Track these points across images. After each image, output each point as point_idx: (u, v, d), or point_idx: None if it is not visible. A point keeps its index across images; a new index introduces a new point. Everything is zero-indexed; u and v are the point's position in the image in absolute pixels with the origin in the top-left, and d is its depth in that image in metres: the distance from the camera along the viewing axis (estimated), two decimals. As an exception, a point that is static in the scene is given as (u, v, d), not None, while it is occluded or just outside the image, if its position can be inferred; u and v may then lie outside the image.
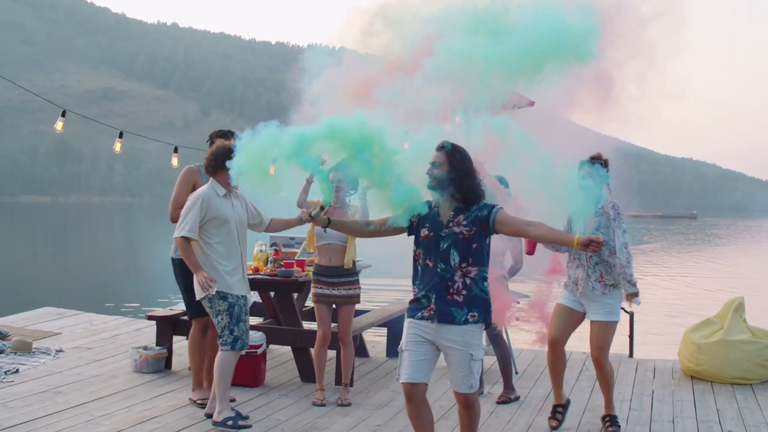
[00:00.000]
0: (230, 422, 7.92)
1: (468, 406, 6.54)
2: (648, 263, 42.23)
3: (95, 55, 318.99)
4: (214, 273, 7.99)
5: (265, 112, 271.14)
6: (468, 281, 6.35)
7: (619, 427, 8.38)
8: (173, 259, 9.03)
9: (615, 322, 8.24)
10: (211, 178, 8.23)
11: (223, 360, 8.04)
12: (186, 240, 7.95)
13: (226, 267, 8.09)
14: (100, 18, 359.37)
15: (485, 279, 6.43)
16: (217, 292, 7.97)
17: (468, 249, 6.34)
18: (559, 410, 8.58)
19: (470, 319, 6.32)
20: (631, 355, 12.25)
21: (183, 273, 8.78)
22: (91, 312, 14.89)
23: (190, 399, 8.90)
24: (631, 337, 12.37)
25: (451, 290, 6.35)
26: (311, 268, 10.64)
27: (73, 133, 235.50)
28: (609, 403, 8.49)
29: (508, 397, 9.47)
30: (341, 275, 9.12)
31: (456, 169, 6.39)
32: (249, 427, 8.02)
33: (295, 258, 10.63)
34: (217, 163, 8.07)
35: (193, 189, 8.80)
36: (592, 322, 8.27)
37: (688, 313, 22.72)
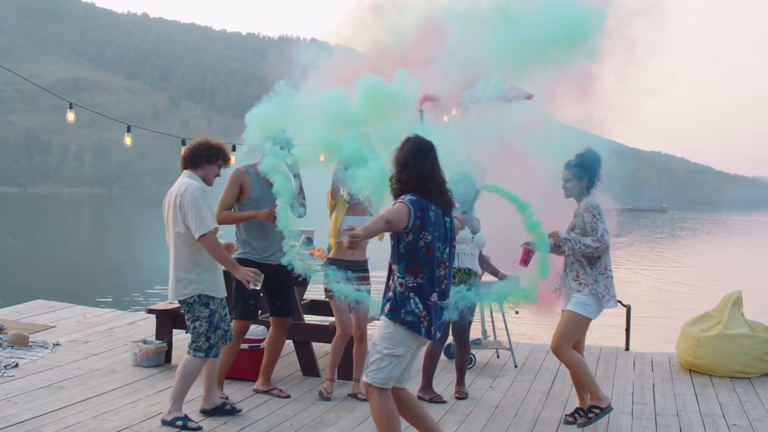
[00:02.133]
0: (179, 422, 7.77)
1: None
2: (622, 257, 42.36)
3: (65, 45, 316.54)
4: (204, 273, 7.85)
5: (235, 103, 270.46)
6: (391, 278, 6.44)
7: (575, 419, 8.39)
8: None
9: (581, 316, 8.14)
10: (188, 171, 8.00)
11: (192, 365, 7.88)
12: (213, 233, 7.71)
13: (213, 269, 7.95)
14: (71, 7, 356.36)
15: (401, 277, 6.35)
16: (200, 296, 7.83)
17: (393, 246, 6.44)
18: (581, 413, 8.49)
19: (385, 311, 6.38)
20: (627, 348, 12.30)
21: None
22: (82, 305, 14.80)
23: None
24: (627, 330, 12.43)
25: (388, 286, 6.48)
26: (312, 261, 10.61)
27: (42, 124, 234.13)
28: (580, 396, 8.48)
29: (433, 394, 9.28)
30: (363, 270, 9.07)
31: (394, 161, 6.49)
32: (199, 428, 7.82)
33: (298, 251, 10.57)
34: (203, 157, 7.98)
35: (241, 191, 8.77)
36: (562, 311, 8.34)
37: (671, 307, 22.91)
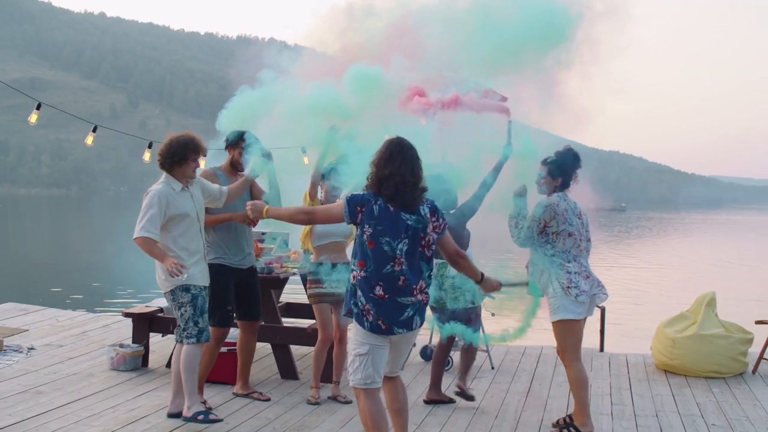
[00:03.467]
0: (201, 416, 7.78)
1: None
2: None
3: (20, 44, 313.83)
4: (181, 261, 7.78)
5: (193, 103, 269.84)
6: None
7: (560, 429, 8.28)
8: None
9: (560, 321, 8.03)
10: (165, 174, 8.01)
11: (189, 354, 7.87)
12: (145, 239, 7.65)
13: (189, 259, 7.89)
14: (26, 6, 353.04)
15: (353, 270, 6.52)
16: (180, 285, 7.83)
17: None
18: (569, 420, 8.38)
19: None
20: (602, 349, 12.37)
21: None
22: (50, 307, 14.70)
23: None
24: (602, 331, 12.51)
25: None
26: (289, 264, 10.61)
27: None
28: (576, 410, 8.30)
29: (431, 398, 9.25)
30: (344, 272, 9.07)
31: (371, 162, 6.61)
32: (220, 420, 7.89)
33: (273, 254, 10.57)
34: (174, 159, 7.94)
35: None
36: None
37: (638, 305, 23.09)
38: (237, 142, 8.80)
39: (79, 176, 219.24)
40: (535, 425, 8.50)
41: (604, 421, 8.72)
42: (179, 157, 7.94)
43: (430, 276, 6.61)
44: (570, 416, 8.28)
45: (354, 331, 6.53)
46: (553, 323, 8.05)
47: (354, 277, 6.49)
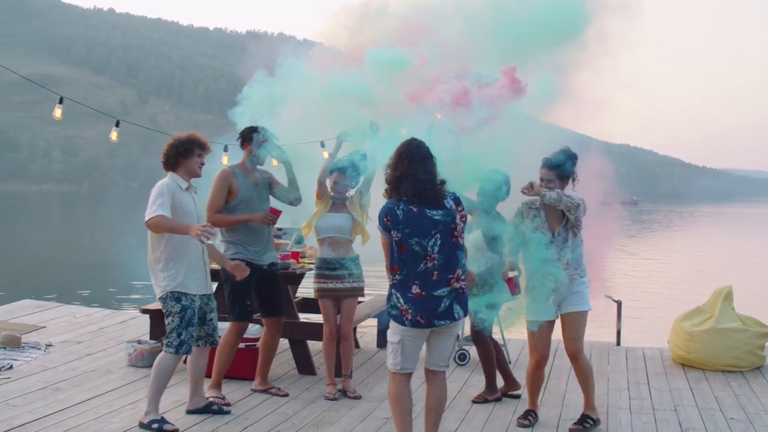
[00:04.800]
0: (155, 425, 7.70)
1: None
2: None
3: (29, 41, 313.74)
4: (173, 269, 7.77)
5: (203, 99, 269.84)
6: None
7: (584, 428, 8.25)
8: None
9: (586, 313, 8.14)
10: (170, 173, 7.97)
11: (163, 362, 7.81)
12: (160, 217, 7.52)
13: (184, 265, 7.83)
14: (34, 2, 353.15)
15: (390, 275, 6.77)
16: (171, 292, 7.76)
17: None
18: (532, 415, 8.48)
19: None
20: (618, 343, 12.36)
21: (225, 276, 8.75)
22: (71, 304, 14.76)
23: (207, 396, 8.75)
24: (618, 326, 12.49)
25: None
26: (306, 260, 10.64)
27: (9, 122, 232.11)
28: (586, 401, 8.36)
29: (485, 398, 9.22)
30: (341, 267, 9.10)
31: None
32: (175, 431, 7.75)
33: (289, 249, 10.58)
34: (179, 151, 7.94)
35: (230, 192, 8.74)
36: (567, 314, 8.16)
37: (655, 300, 23.06)
38: (251, 138, 8.82)
39: (90, 172, 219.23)
40: (553, 420, 8.51)
41: (623, 416, 8.73)
42: (184, 148, 7.92)
43: (464, 264, 6.79)
44: (584, 415, 8.29)
45: (390, 322, 6.82)
46: (582, 313, 8.08)
47: (390, 282, 6.76)
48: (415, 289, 6.59)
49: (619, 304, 12.36)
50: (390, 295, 6.74)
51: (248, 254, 8.76)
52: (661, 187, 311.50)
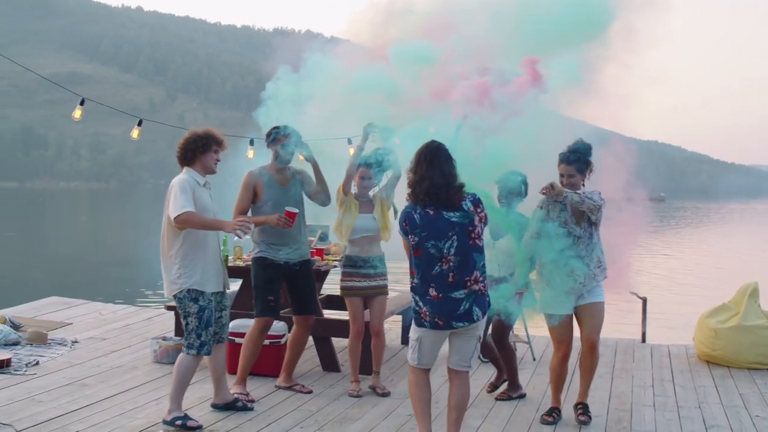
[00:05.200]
0: (179, 422, 7.73)
1: None
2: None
3: (58, 39, 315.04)
4: (190, 266, 7.75)
5: (231, 96, 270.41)
6: None
7: (590, 417, 8.30)
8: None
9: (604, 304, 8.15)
10: (186, 168, 7.94)
11: (184, 362, 7.83)
12: (188, 213, 7.52)
13: (201, 262, 7.82)
14: (63, 1, 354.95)
15: (410, 279, 6.89)
16: (188, 291, 7.73)
17: None
18: (556, 413, 8.48)
19: None
20: (643, 340, 12.31)
21: (254, 271, 8.88)
22: (96, 301, 14.84)
23: (231, 392, 8.78)
24: (643, 322, 12.44)
25: None
26: (330, 257, 10.66)
27: (37, 119, 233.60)
28: (585, 391, 8.42)
29: (508, 395, 9.21)
30: (371, 266, 9.10)
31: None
32: (199, 427, 7.79)
33: (313, 246, 10.60)
34: (197, 149, 7.91)
35: (255, 194, 8.80)
36: (589, 305, 8.13)
37: (682, 298, 22.94)
38: (276, 138, 8.84)
39: (118, 169, 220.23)
40: (575, 417, 8.47)
41: (647, 413, 8.70)
42: (203, 144, 7.90)
43: (483, 265, 6.81)
44: (584, 405, 8.35)
45: (413, 321, 6.93)
46: (601, 303, 8.09)
47: (410, 284, 6.87)
48: (432, 292, 6.68)
49: (644, 301, 12.32)
50: (412, 299, 6.87)
51: (269, 252, 8.80)
52: (690, 183, 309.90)
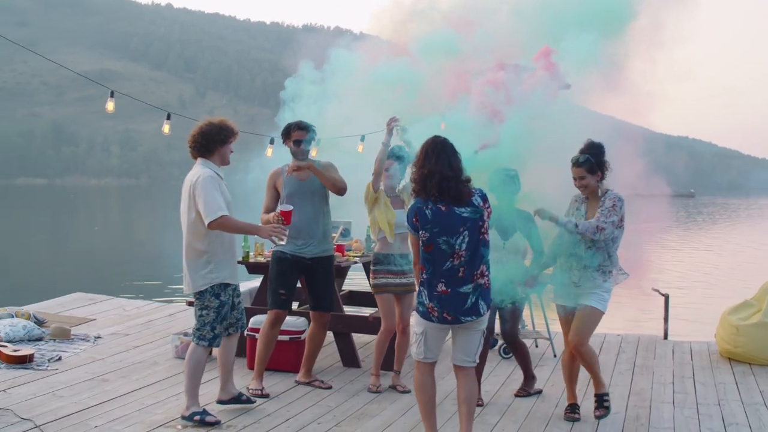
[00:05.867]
0: (197, 417, 7.76)
1: None
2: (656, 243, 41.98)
3: (89, 37, 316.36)
4: (222, 262, 7.79)
5: (260, 93, 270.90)
6: None
7: (607, 409, 8.23)
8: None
9: (601, 313, 7.99)
10: (202, 159, 7.88)
11: (195, 355, 7.86)
12: (223, 218, 7.54)
13: (227, 257, 7.88)
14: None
15: (421, 283, 6.91)
16: (212, 287, 7.76)
17: None
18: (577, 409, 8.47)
19: None
20: (666, 337, 12.28)
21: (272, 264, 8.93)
22: (123, 297, 14.95)
23: (247, 387, 8.84)
24: (666, 319, 12.41)
25: None
26: (351, 253, 10.68)
27: (68, 116, 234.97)
28: (596, 383, 8.31)
29: (527, 391, 9.23)
30: (405, 263, 9.15)
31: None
32: (217, 422, 7.80)
33: (335, 243, 10.62)
34: (217, 141, 7.88)
35: (276, 190, 8.92)
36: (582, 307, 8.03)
37: (706, 294, 22.84)
38: (288, 133, 8.89)
39: (149, 166, 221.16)
40: (586, 414, 8.43)
41: (666, 410, 8.67)
42: (224, 135, 7.90)
43: (488, 260, 6.85)
44: (598, 396, 8.26)
45: (417, 314, 6.95)
46: (592, 309, 7.92)
47: (419, 279, 6.89)
48: (441, 287, 6.71)
49: (666, 297, 12.29)
50: (419, 292, 6.89)
51: (288, 247, 8.82)
52: (720, 179, 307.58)
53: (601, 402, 8.25)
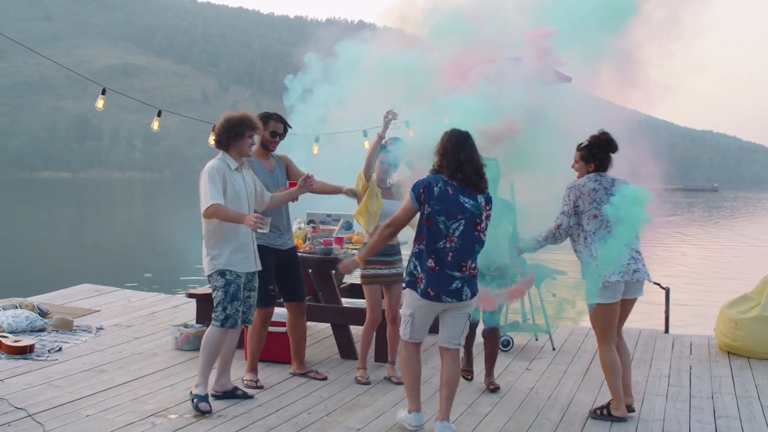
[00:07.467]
0: (195, 400, 7.88)
1: None
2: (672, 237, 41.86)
3: (113, 31, 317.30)
4: (218, 249, 7.95)
5: (283, 87, 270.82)
6: None
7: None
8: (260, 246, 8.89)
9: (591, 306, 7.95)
10: (222, 152, 8.12)
11: (211, 335, 8.01)
12: (215, 207, 7.72)
13: (232, 245, 7.98)
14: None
15: (414, 245, 7.18)
16: (217, 270, 7.95)
17: None
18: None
19: None
20: (666, 330, 12.27)
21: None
22: (126, 288, 15.04)
23: (242, 379, 8.90)
24: (666, 313, 12.40)
25: None
26: (351, 245, 10.72)
27: (92, 110, 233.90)
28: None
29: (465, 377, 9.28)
30: (396, 253, 9.21)
31: (436, 153, 7.23)
32: (208, 412, 7.82)
33: (334, 235, 10.67)
34: (231, 134, 8.04)
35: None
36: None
37: (711, 288, 22.76)
38: (266, 122, 8.93)
39: (171, 160, 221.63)
40: (586, 406, 8.44)
41: (657, 402, 8.68)
42: (236, 132, 8.03)
43: (476, 257, 7.14)
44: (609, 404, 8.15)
45: (407, 294, 7.32)
46: (588, 306, 7.95)
47: (412, 251, 7.18)
48: (431, 263, 7.03)
49: (667, 291, 12.28)
50: (410, 263, 7.18)
51: (267, 239, 8.83)
52: (744, 173, 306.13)
53: (604, 407, 8.14)
